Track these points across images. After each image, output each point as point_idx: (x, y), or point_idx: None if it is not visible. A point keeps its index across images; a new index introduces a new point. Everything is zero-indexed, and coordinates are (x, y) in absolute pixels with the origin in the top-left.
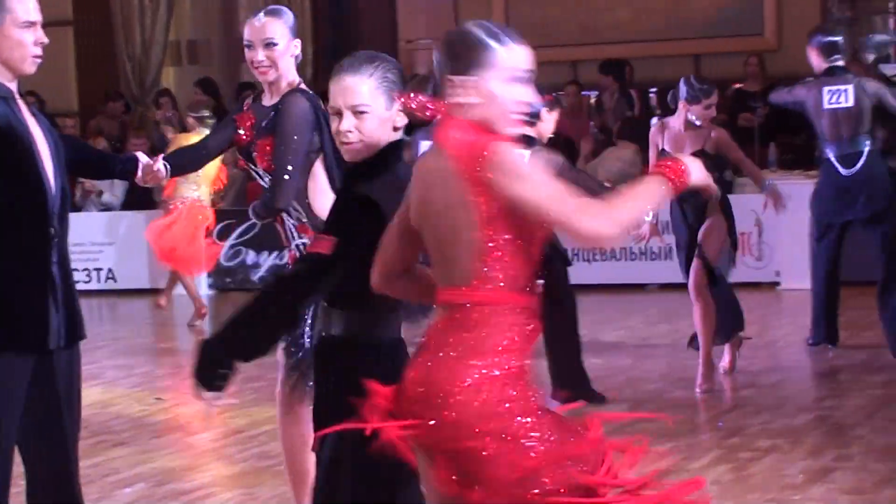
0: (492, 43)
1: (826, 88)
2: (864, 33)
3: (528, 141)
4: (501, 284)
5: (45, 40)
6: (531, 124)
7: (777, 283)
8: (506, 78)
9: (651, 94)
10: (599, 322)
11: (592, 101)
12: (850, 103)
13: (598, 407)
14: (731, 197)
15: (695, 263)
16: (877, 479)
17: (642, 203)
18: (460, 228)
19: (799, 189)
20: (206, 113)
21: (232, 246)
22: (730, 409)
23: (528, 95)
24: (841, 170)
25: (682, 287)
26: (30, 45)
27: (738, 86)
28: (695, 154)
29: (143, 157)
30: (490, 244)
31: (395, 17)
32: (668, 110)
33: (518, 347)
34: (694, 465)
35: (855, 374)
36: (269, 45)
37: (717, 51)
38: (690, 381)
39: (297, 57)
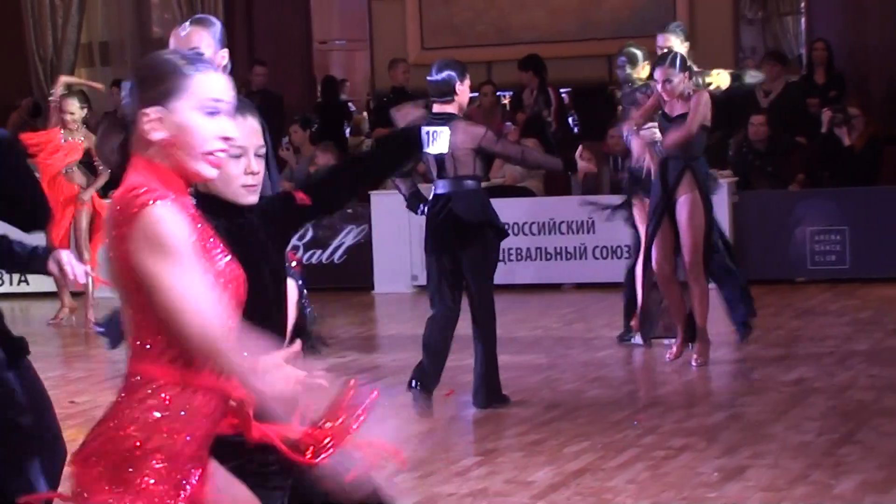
0: (184, 68)
1: None
2: (777, 34)
3: (447, 118)
4: (162, 357)
5: None
6: (447, 102)
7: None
8: (200, 107)
9: (563, 94)
10: (516, 322)
11: (506, 101)
12: None
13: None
14: None
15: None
16: (791, 477)
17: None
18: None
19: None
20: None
21: None
22: (645, 408)
23: (227, 129)
24: None
25: (598, 287)
26: None
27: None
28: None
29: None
30: (135, 312)
31: (308, 18)
32: (583, 110)
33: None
34: (610, 464)
35: (768, 373)
36: None
37: None
38: (606, 381)
39: (224, 67)
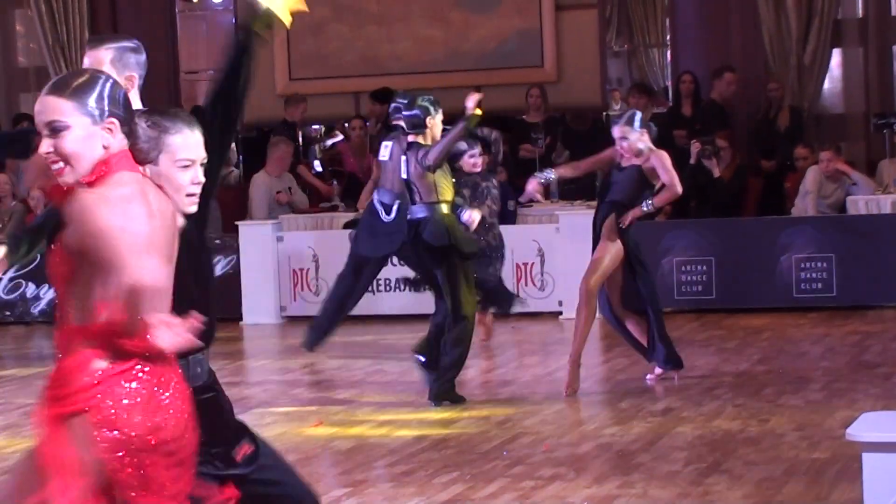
0: None
1: None
2: (643, 65)
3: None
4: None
5: None
6: (419, 134)
7: (560, 313)
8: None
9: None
10: (386, 351)
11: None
12: None
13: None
14: (513, 227)
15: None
16: None
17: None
18: None
19: (582, 220)
20: None
21: (11, 279)
22: (514, 438)
23: None
24: None
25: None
26: None
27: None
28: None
29: None
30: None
31: (175, 47)
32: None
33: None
34: (478, 494)
35: (636, 402)
36: None
37: (498, 82)
38: (474, 410)
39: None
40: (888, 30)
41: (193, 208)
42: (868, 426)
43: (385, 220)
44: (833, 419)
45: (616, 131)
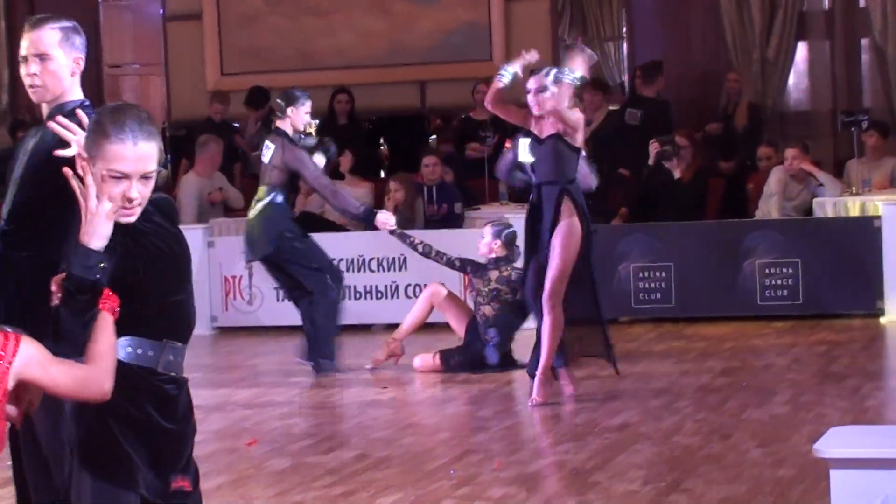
0: None
1: None
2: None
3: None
4: None
5: None
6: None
7: None
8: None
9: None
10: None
11: (312, 129)
12: None
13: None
14: (459, 231)
15: (548, 271)
16: None
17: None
18: None
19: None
20: None
21: None
22: (461, 456)
23: None
24: None
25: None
26: None
27: (468, 114)
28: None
29: None
30: None
31: (98, 40)
32: (394, 138)
33: None
34: None
35: (591, 417)
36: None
37: (444, 77)
38: (420, 427)
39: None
40: (856, 22)
41: (131, 219)
42: (836, 441)
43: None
44: (799, 434)
45: (532, 81)
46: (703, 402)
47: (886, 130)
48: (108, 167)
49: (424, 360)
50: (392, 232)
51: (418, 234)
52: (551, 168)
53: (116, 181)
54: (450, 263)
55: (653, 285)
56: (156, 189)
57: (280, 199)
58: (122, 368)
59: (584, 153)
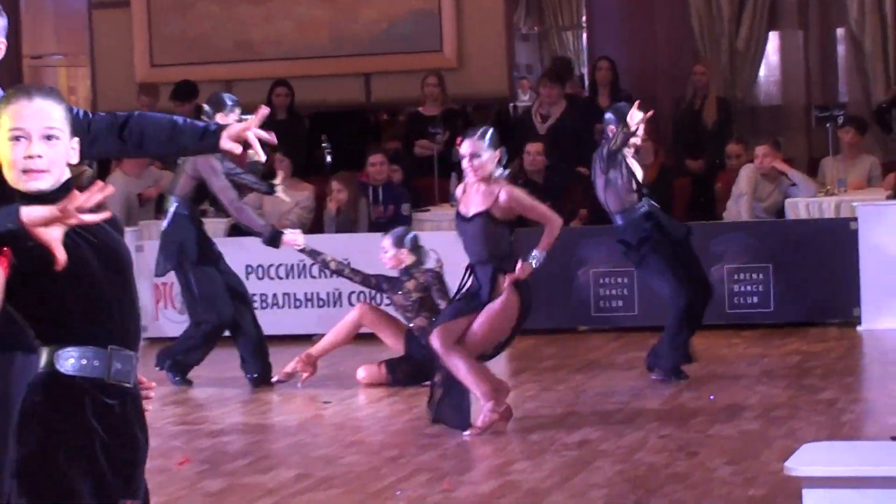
0: None
1: None
2: (556, 50)
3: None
4: None
5: None
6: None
7: None
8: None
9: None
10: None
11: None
12: None
13: None
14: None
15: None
16: None
17: None
18: None
19: None
20: None
21: None
22: (409, 476)
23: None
24: None
25: (356, 337)
26: None
27: (417, 109)
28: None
29: None
30: None
31: (18, 29)
32: (337, 135)
33: None
34: None
35: (548, 434)
36: None
37: (390, 69)
38: (365, 445)
39: None
40: (831, 11)
41: (38, 185)
42: (809, 459)
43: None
44: (770, 451)
45: (465, 147)
46: (668, 416)
47: (864, 126)
48: (8, 129)
49: (369, 370)
50: (302, 250)
51: (362, 239)
52: (482, 248)
53: (16, 142)
54: (365, 281)
55: (614, 292)
56: (79, 189)
57: (184, 210)
58: (67, 383)
59: (630, 156)
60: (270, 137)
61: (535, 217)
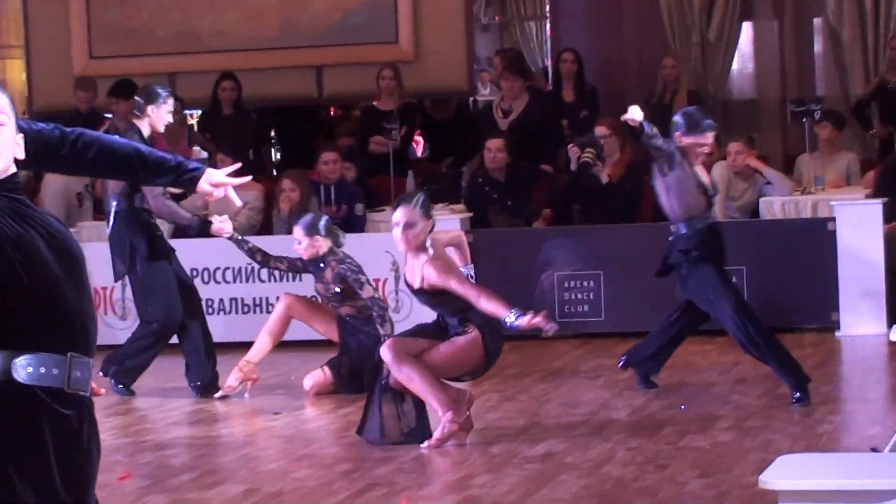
0: None
1: None
2: (518, 41)
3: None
4: None
5: None
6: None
7: None
8: None
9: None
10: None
11: (193, 120)
12: None
13: None
14: (362, 236)
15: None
16: None
17: None
18: None
19: (445, 227)
20: None
21: None
22: (363, 491)
23: None
24: None
25: (305, 345)
26: None
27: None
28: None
29: None
30: None
31: None
32: (287, 130)
33: None
34: None
35: (510, 446)
36: None
37: (343, 62)
38: (316, 458)
39: None
40: (807, 0)
41: None
42: (785, 472)
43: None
44: (744, 463)
45: (400, 215)
46: (637, 428)
47: (841, 122)
48: None
49: (314, 377)
50: (230, 238)
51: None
52: (440, 311)
53: None
54: (292, 267)
55: (580, 296)
56: (16, 190)
57: (124, 207)
58: (24, 393)
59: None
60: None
61: (461, 292)
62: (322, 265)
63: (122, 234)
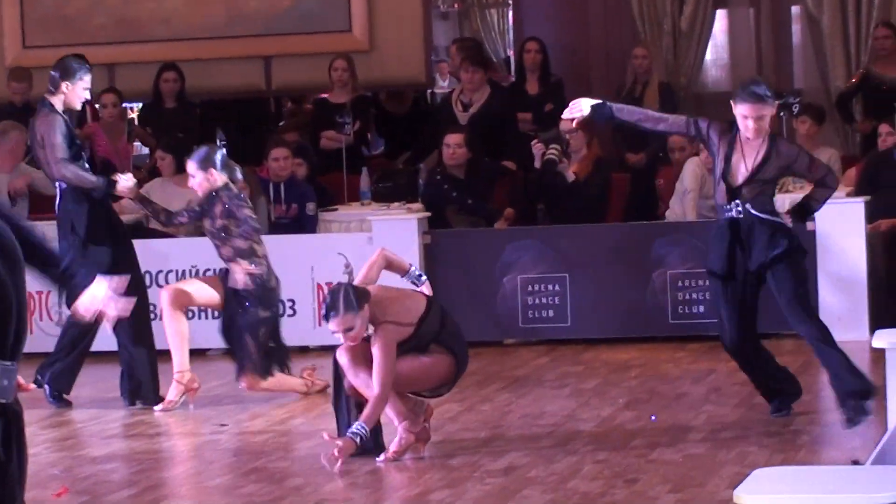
0: None
1: None
2: (479, 30)
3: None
4: None
5: None
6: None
7: None
8: None
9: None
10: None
11: (134, 114)
12: None
13: None
14: (314, 237)
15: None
16: None
17: None
18: None
19: (401, 227)
20: None
21: None
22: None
23: None
24: None
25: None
26: None
27: (322, 96)
28: None
29: None
30: None
31: None
32: (233, 124)
33: None
34: None
35: (471, 459)
36: None
37: (293, 52)
38: (264, 472)
39: None
40: None
41: None
42: (761, 486)
43: None
44: (718, 477)
45: (335, 325)
46: (605, 439)
47: (821, 116)
48: None
49: (243, 373)
50: (134, 198)
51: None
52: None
53: None
54: (193, 216)
55: (544, 301)
56: None
57: (63, 185)
58: None
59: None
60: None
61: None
62: (214, 200)
63: (67, 210)
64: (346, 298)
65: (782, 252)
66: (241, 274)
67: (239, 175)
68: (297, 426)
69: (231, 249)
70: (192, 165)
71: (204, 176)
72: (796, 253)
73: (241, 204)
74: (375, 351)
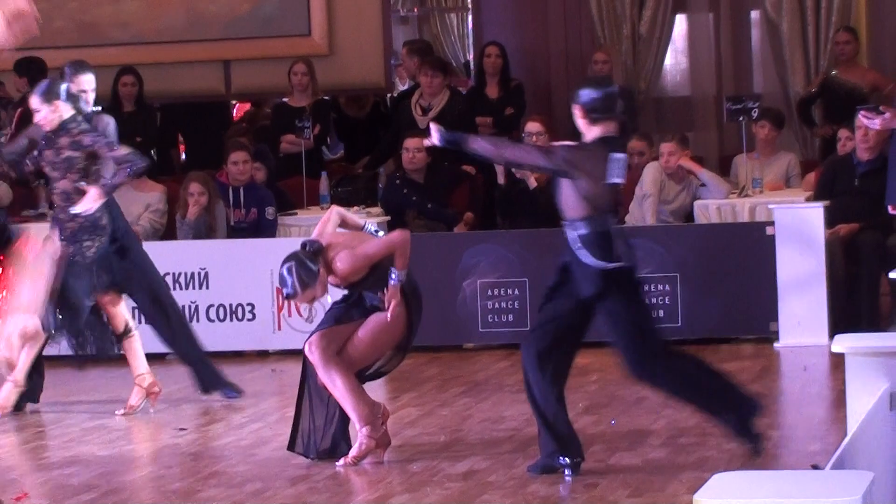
0: None
1: None
2: (438, 34)
3: None
4: None
5: None
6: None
7: None
8: None
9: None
10: (102, 404)
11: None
12: None
13: None
14: (273, 241)
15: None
16: None
17: None
18: None
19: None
20: None
21: None
22: None
23: None
24: None
25: (212, 356)
26: None
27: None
28: None
29: None
30: None
31: None
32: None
33: None
34: None
35: (430, 464)
36: None
37: (253, 56)
38: (224, 477)
39: None
40: None
41: None
42: (721, 490)
43: None
44: (678, 482)
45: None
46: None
47: (781, 121)
48: None
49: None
50: None
51: (221, 246)
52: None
53: None
54: (21, 152)
55: (504, 305)
56: None
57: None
58: None
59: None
60: None
61: (380, 256)
62: (62, 132)
63: None
64: (299, 277)
65: None
66: (89, 200)
67: (84, 106)
68: (257, 430)
69: (69, 182)
70: (35, 100)
71: (49, 108)
72: None
73: (88, 129)
74: (359, 251)
